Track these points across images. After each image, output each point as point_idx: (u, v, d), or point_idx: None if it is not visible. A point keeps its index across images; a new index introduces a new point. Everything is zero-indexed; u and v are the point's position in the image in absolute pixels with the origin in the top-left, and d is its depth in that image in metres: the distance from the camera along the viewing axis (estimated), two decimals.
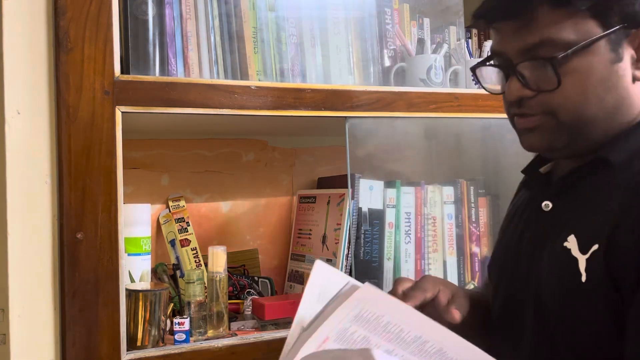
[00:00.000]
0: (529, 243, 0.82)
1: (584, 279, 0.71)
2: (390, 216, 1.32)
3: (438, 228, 1.37)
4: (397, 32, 1.36)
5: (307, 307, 0.81)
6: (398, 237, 1.33)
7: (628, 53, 0.76)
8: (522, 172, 0.91)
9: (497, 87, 0.87)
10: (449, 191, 1.39)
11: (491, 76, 1.00)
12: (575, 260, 0.72)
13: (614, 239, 0.69)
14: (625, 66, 0.76)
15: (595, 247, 0.71)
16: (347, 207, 1.29)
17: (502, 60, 0.80)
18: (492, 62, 0.84)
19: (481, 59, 0.88)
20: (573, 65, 0.74)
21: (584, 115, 0.76)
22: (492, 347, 0.85)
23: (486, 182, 1.41)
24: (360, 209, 1.29)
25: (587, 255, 0.71)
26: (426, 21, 1.43)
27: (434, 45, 1.38)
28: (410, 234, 1.34)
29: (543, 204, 0.81)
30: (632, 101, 0.77)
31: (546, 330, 0.77)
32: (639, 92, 0.77)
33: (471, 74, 0.90)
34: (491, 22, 0.80)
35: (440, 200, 1.38)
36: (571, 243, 0.74)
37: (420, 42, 1.37)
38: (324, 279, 0.83)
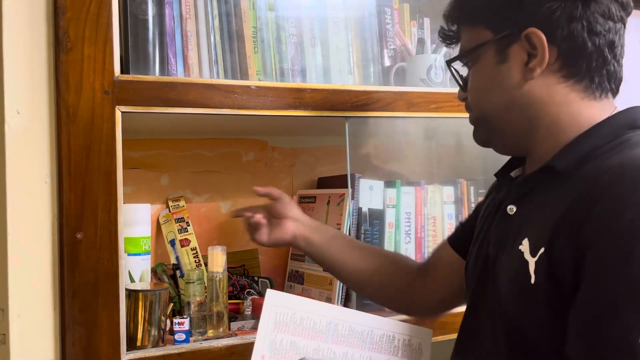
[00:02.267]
0: (494, 246, 0.85)
1: (532, 281, 0.74)
2: (390, 216, 1.32)
3: (438, 228, 1.37)
4: (397, 31, 1.36)
5: (263, 337, 0.89)
6: (398, 237, 1.33)
7: (518, 56, 0.80)
8: (495, 175, 0.94)
9: None
10: (449, 191, 1.39)
11: None
12: (527, 262, 0.75)
13: (555, 241, 0.72)
14: (511, 67, 0.81)
15: (542, 250, 0.73)
16: (347, 207, 1.29)
17: None
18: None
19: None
20: (473, 68, 0.86)
21: (483, 111, 0.86)
22: (460, 345, 0.91)
23: (486, 182, 1.41)
24: (360, 209, 1.29)
25: (536, 258, 0.74)
26: (426, 21, 1.43)
27: (434, 45, 1.38)
28: (410, 234, 1.34)
29: (508, 207, 0.84)
30: (532, 100, 0.81)
31: (500, 332, 0.79)
32: (564, 99, 0.80)
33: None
34: (444, 42, 0.94)
35: (441, 200, 1.38)
36: (524, 246, 0.77)
37: (421, 41, 1.37)
38: (276, 307, 0.91)
